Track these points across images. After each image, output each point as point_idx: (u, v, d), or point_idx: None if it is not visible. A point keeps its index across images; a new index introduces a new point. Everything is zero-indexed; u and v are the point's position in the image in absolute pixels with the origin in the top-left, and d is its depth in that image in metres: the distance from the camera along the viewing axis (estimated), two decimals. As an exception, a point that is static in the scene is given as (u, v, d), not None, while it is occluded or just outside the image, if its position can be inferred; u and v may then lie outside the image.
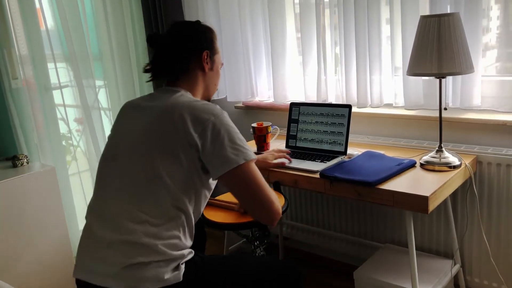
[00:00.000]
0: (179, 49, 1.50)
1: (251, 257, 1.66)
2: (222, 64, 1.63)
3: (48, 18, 2.50)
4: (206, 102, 1.41)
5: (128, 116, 1.48)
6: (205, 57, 1.51)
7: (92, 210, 1.41)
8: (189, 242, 1.37)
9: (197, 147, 1.31)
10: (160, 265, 1.27)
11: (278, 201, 1.39)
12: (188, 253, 1.35)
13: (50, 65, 2.49)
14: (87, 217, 1.42)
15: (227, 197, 1.90)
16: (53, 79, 2.50)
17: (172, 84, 1.50)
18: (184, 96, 1.44)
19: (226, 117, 1.37)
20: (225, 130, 1.33)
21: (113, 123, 1.53)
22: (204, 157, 1.32)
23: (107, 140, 1.50)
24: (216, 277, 1.41)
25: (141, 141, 1.36)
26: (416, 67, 1.73)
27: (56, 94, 2.53)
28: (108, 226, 1.32)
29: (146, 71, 1.53)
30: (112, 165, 1.40)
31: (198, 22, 1.56)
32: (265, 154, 2.02)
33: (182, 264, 1.32)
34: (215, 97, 2.72)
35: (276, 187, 1.98)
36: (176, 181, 1.31)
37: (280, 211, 1.39)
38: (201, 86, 1.54)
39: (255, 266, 1.53)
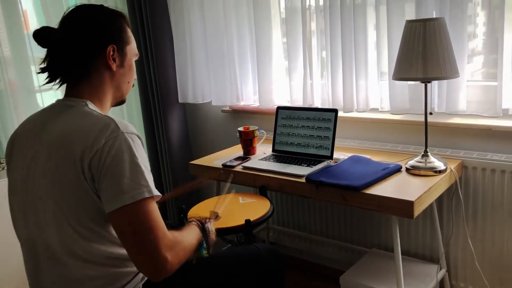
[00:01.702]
0: (75, 47, 1.20)
1: (226, 253, 1.60)
2: (138, 54, 1.34)
3: (32, 20, 2.47)
4: (99, 119, 1.15)
5: (21, 169, 1.22)
6: (111, 52, 1.23)
7: None
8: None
9: (92, 180, 1.12)
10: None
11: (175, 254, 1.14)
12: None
13: (34, 68, 2.45)
14: None
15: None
16: (37, 82, 2.47)
17: (72, 91, 1.24)
18: (80, 113, 1.19)
19: (125, 139, 1.11)
20: (119, 157, 1.09)
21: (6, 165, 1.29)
22: (98, 187, 1.12)
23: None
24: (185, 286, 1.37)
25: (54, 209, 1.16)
26: (401, 72, 1.73)
27: (40, 97, 2.49)
28: None
29: (42, 71, 1.24)
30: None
31: (100, 7, 1.26)
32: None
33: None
34: (199, 100, 2.71)
35: (262, 191, 1.97)
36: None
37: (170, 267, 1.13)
38: (109, 88, 1.27)
39: (229, 262, 1.50)
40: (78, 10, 1.24)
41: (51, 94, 2.57)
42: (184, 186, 1.81)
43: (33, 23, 2.48)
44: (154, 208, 1.12)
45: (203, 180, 2.00)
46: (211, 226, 1.42)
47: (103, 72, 1.24)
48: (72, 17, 1.22)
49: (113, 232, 1.17)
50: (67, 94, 1.25)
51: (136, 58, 1.34)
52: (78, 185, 1.12)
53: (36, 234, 1.20)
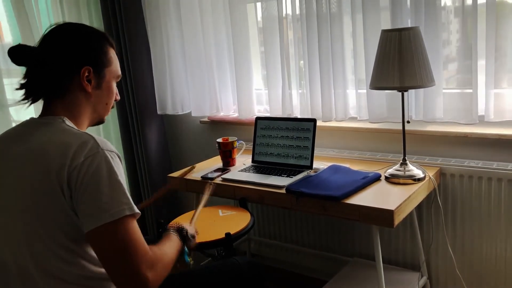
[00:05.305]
0: (50, 66, 1.19)
1: (206, 267, 1.59)
2: (119, 76, 1.32)
3: (6, 32, 2.42)
4: (78, 135, 1.14)
5: None
6: (86, 74, 1.20)
7: None
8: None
9: (70, 197, 1.09)
10: None
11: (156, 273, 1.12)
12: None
13: (6, 81, 2.39)
14: None
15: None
16: (11, 95, 2.41)
17: (47, 110, 1.22)
18: (58, 129, 1.17)
19: (104, 157, 1.09)
20: (98, 174, 1.07)
21: None
22: (76, 204, 1.09)
23: None
24: None
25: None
26: (378, 81, 1.74)
27: (12, 111, 2.43)
28: None
29: (21, 87, 1.23)
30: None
31: (82, 26, 1.25)
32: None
33: None
34: (179, 111, 2.68)
35: (242, 203, 1.94)
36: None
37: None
38: (85, 109, 1.24)
39: (209, 276, 1.49)
40: (58, 29, 1.22)
41: (24, 109, 2.51)
42: (156, 193, 1.81)
43: (7, 35, 2.43)
44: (134, 226, 1.09)
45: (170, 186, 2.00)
46: (190, 230, 1.41)
47: (77, 93, 1.22)
48: (51, 35, 1.21)
49: (91, 251, 1.14)
50: (43, 113, 1.24)
51: (118, 80, 1.31)
52: (54, 201, 1.09)
53: (7, 254, 1.15)
